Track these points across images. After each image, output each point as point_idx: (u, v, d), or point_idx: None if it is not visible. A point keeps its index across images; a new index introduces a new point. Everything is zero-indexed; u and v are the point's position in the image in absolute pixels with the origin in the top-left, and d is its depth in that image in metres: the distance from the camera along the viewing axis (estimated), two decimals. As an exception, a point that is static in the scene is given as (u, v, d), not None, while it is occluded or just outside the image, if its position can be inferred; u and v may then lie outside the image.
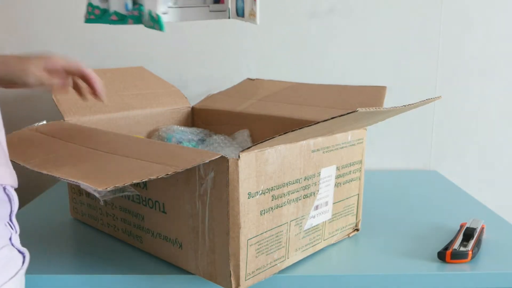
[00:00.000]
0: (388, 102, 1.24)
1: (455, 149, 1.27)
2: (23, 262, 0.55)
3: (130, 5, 0.63)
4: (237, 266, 0.62)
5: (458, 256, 0.72)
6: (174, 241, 0.69)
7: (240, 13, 0.64)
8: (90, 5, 0.63)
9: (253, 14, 0.61)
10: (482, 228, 0.81)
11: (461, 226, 0.81)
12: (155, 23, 0.60)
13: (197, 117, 1.07)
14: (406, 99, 1.24)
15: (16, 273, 0.52)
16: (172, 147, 0.67)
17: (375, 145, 1.26)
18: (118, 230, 0.79)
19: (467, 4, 1.20)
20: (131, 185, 0.68)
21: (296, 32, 1.21)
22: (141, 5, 0.63)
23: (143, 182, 0.70)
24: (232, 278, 0.63)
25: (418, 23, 1.21)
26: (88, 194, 0.82)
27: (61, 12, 1.21)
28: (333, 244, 0.80)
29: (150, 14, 0.61)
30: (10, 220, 0.55)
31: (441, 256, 0.73)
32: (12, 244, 0.54)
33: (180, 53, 1.22)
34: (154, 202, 0.71)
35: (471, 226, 0.79)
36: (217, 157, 0.57)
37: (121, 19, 0.63)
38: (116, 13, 0.63)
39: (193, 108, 1.08)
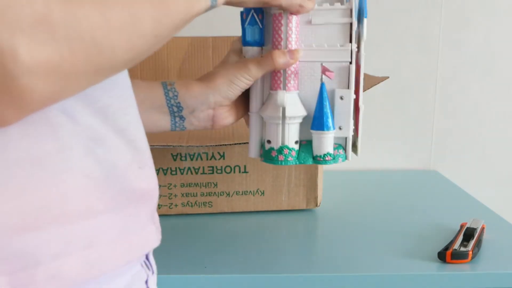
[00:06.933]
0: (388, 102, 1.25)
1: (455, 149, 1.26)
2: None
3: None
4: (319, 191, 0.92)
5: (458, 256, 0.72)
6: (256, 191, 0.90)
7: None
8: (286, 147, 0.62)
9: (355, 147, 0.65)
10: (483, 228, 0.81)
11: (461, 226, 0.81)
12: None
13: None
14: (406, 99, 1.24)
15: None
16: None
17: (375, 145, 1.26)
18: (175, 206, 0.91)
19: (467, 4, 1.20)
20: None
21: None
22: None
23: (220, 152, 0.89)
24: (317, 200, 0.92)
25: (418, 23, 1.21)
26: None
27: None
28: (333, 244, 0.80)
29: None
30: (147, 258, 0.48)
31: (441, 256, 0.73)
32: None
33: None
34: (234, 167, 0.88)
35: (471, 226, 0.79)
36: None
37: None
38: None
39: None
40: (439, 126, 1.26)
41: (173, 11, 0.42)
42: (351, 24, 0.62)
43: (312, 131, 0.62)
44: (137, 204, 0.44)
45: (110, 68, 0.38)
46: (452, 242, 0.76)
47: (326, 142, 0.61)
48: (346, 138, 0.63)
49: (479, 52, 1.22)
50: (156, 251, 0.77)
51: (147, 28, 0.38)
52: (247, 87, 0.60)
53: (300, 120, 0.62)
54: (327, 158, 0.62)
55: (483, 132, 1.26)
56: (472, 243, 0.75)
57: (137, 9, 0.38)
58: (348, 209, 0.96)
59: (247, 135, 0.84)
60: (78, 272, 0.38)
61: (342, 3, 0.62)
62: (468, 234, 0.77)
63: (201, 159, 0.89)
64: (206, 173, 0.90)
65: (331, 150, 0.62)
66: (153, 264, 0.49)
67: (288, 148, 0.61)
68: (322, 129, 0.60)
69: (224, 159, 0.89)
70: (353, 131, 0.64)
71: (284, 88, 0.60)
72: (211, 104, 0.60)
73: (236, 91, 0.59)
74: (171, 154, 0.88)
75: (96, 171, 0.40)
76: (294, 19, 0.59)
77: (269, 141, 0.62)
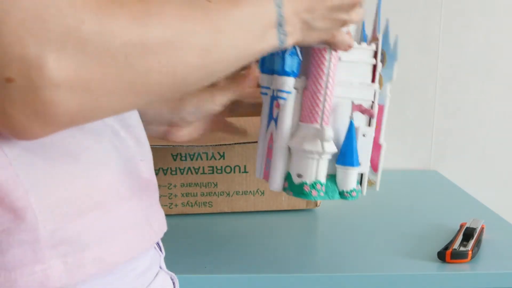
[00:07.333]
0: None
1: (455, 149, 1.26)
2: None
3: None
4: None
5: (458, 256, 0.72)
6: (256, 191, 0.89)
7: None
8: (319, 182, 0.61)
9: (372, 182, 0.66)
10: (482, 228, 0.81)
11: (461, 226, 0.81)
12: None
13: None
14: (406, 99, 1.24)
15: None
16: None
17: (375, 145, 1.26)
18: (175, 206, 0.90)
19: (467, 4, 1.20)
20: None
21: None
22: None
23: (220, 152, 0.88)
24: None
25: (418, 23, 1.21)
26: None
27: None
28: (333, 244, 0.80)
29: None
30: (157, 243, 0.51)
31: (441, 256, 0.73)
32: (161, 268, 0.50)
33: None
34: (234, 167, 0.88)
35: (471, 226, 0.79)
36: None
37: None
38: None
39: None
40: (439, 126, 1.26)
41: (228, 44, 0.38)
42: (375, 65, 0.63)
43: (339, 166, 0.62)
44: (148, 192, 0.46)
45: (146, 92, 0.35)
46: (451, 242, 0.76)
47: (352, 177, 0.62)
48: (362, 174, 0.64)
49: (479, 52, 1.22)
50: (156, 251, 0.77)
51: (192, 56, 0.35)
52: (210, 114, 0.61)
53: (330, 156, 0.61)
54: (353, 194, 0.63)
55: (483, 132, 1.26)
56: (471, 243, 0.75)
57: (183, 33, 0.34)
58: (348, 209, 0.96)
59: (248, 135, 0.84)
60: (119, 255, 0.41)
61: (368, 43, 0.63)
62: (468, 234, 0.77)
63: (201, 159, 0.89)
64: (206, 173, 0.90)
65: (355, 186, 0.63)
66: (161, 246, 0.52)
67: (320, 183, 0.61)
68: (352, 165, 0.61)
69: (224, 159, 0.89)
70: (370, 167, 0.65)
71: (322, 123, 0.59)
72: (164, 122, 0.61)
73: (196, 115, 0.60)
74: (171, 154, 0.88)
75: (118, 162, 0.43)
76: (334, 54, 0.59)
77: (299, 175, 0.60)
